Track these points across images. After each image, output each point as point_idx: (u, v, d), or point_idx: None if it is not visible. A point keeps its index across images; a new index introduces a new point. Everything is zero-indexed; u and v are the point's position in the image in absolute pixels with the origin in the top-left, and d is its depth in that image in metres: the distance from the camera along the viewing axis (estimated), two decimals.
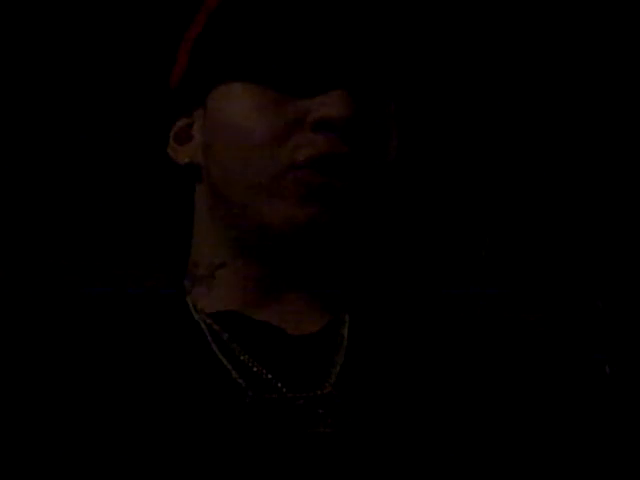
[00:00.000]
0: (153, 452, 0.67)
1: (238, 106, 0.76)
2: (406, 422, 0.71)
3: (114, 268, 0.94)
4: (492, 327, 0.82)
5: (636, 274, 0.90)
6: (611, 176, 1.08)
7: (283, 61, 0.75)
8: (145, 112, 1.01)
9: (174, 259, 0.85)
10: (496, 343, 0.80)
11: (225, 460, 0.67)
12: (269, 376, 0.73)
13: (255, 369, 0.73)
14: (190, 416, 0.69)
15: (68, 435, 0.68)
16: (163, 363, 0.73)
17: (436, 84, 1.04)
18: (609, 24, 1.18)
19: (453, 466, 0.69)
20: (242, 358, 0.74)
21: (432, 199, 1.06)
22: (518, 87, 1.14)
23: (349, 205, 0.75)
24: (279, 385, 0.72)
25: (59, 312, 0.78)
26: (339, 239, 0.77)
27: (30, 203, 1.03)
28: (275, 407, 0.70)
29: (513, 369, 0.77)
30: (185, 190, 0.83)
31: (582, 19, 1.16)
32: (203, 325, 0.77)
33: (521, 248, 1.06)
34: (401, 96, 0.80)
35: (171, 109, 0.84)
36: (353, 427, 0.70)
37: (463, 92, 1.11)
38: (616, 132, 1.16)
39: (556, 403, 0.76)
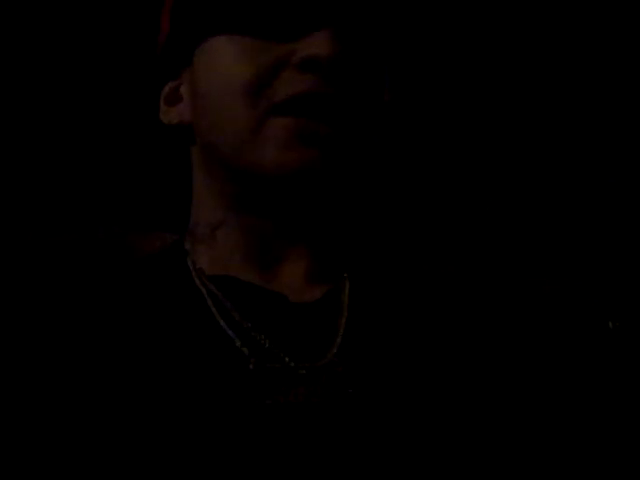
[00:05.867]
0: (156, 418, 0.66)
1: (221, 57, 0.76)
2: (409, 393, 0.70)
3: (116, 232, 0.93)
4: (495, 289, 0.81)
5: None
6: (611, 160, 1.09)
7: (264, 7, 0.74)
8: (138, 77, 1.01)
9: (175, 222, 0.84)
10: (500, 305, 0.79)
11: (227, 428, 0.66)
12: (272, 345, 0.72)
13: (258, 337, 0.72)
14: (192, 383, 0.68)
15: (66, 397, 0.67)
16: (166, 330, 0.72)
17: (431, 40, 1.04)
18: (609, 23, 1.19)
19: (459, 434, 0.68)
20: (245, 326, 0.73)
21: (433, 162, 1.05)
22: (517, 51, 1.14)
23: (336, 149, 0.74)
24: (281, 354, 0.71)
25: (60, 276, 0.77)
26: (331, 186, 0.76)
27: (30, 170, 1.02)
28: (277, 376, 0.70)
29: (518, 329, 0.77)
30: (182, 152, 0.83)
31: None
32: (205, 291, 0.76)
33: (527, 207, 1.06)
34: (393, 41, 0.79)
35: (159, 73, 0.84)
36: (355, 397, 0.69)
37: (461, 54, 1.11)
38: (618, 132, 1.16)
39: (560, 358, 0.76)
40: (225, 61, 0.75)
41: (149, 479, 0.64)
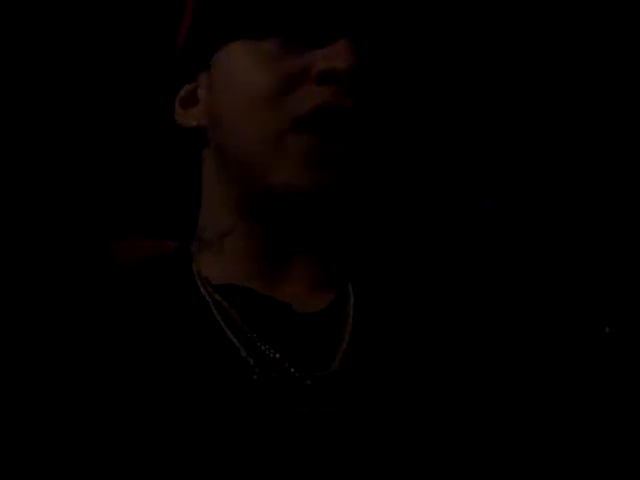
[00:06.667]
0: (159, 427, 0.66)
1: (240, 63, 0.75)
2: (413, 403, 0.70)
3: (122, 234, 0.93)
4: (494, 295, 0.81)
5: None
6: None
7: (284, 14, 0.74)
8: (153, 80, 1.00)
9: (182, 226, 0.83)
10: (500, 311, 0.79)
11: (231, 438, 0.66)
12: (277, 355, 0.72)
13: (263, 347, 0.72)
14: (197, 393, 0.68)
15: (70, 408, 0.67)
16: (171, 338, 0.72)
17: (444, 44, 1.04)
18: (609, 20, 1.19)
19: (463, 445, 0.68)
20: (250, 336, 0.73)
21: (437, 169, 1.05)
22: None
23: (353, 170, 0.73)
24: (287, 364, 0.71)
25: (63, 282, 0.77)
26: (343, 204, 0.75)
27: (37, 177, 1.02)
28: (282, 386, 0.70)
29: (516, 335, 0.77)
30: (193, 156, 0.82)
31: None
32: (210, 300, 0.75)
33: (524, 210, 1.06)
34: (409, 52, 0.79)
35: (177, 75, 0.83)
36: (360, 407, 0.69)
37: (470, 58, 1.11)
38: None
39: (557, 364, 0.76)
40: (243, 69, 0.75)
41: None
